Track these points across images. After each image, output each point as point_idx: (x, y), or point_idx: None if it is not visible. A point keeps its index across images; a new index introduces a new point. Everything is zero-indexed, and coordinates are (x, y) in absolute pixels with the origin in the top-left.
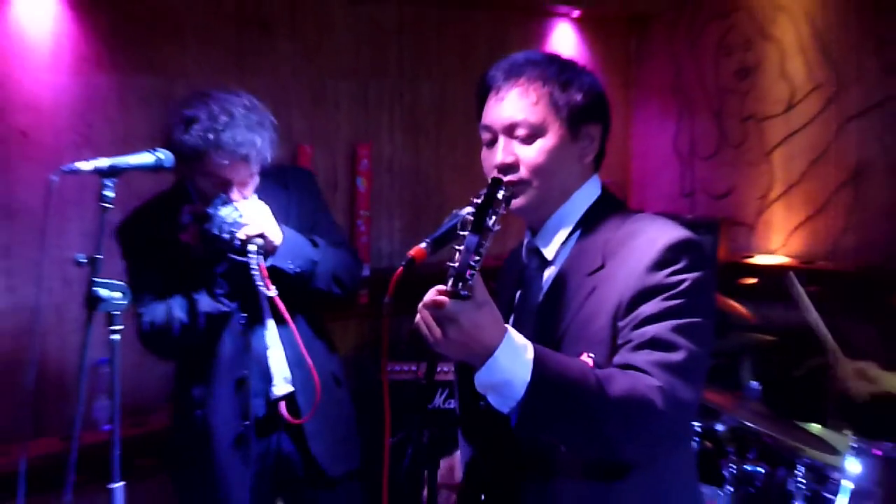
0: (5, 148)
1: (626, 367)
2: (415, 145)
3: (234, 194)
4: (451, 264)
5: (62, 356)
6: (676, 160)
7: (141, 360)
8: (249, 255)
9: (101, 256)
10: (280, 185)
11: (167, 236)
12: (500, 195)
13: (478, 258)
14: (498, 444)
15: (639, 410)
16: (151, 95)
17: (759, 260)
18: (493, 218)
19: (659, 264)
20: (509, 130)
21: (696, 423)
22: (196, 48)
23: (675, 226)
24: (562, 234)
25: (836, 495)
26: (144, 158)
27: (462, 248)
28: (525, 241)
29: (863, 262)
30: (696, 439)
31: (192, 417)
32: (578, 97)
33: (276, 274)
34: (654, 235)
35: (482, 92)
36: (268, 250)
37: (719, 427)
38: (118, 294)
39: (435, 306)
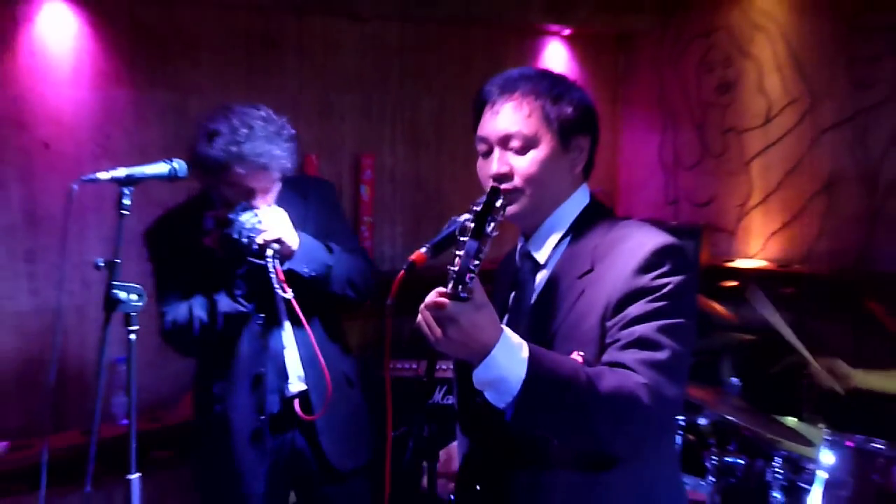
0: (29, 159)
1: (615, 364)
2: (415, 156)
3: (256, 202)
4: (452, 268)
5: (82, 354)
6: (661, 170)
7: (156, 359)
8: (267, 259)
9: (119, 260)
10: (300, 194)
11: (191, 240)
12: (498, 203)
13: (477, 262)
14: (493, 437)
15: (626, 406)
16: (166, 109)
17: (738, 264)
18: (492, 224)
19: (645, 268)
20: (504, 142)
21: (680, 418)
22: (209, 65)
23: (660, 232)
24: (553, 240)
25: (810, 485)
26: (159, 168)
27: (462, 252)
28: (519, 246)
29: (835, 265)
30: (680, 432)
31: (212, 412)
32: (569, 110)
33: (292, 277)
34: (640, 241)
35: (478, 105)
36: (284, 254)
37: (702, 421)
38: (135, 296)
39: (436, 307)
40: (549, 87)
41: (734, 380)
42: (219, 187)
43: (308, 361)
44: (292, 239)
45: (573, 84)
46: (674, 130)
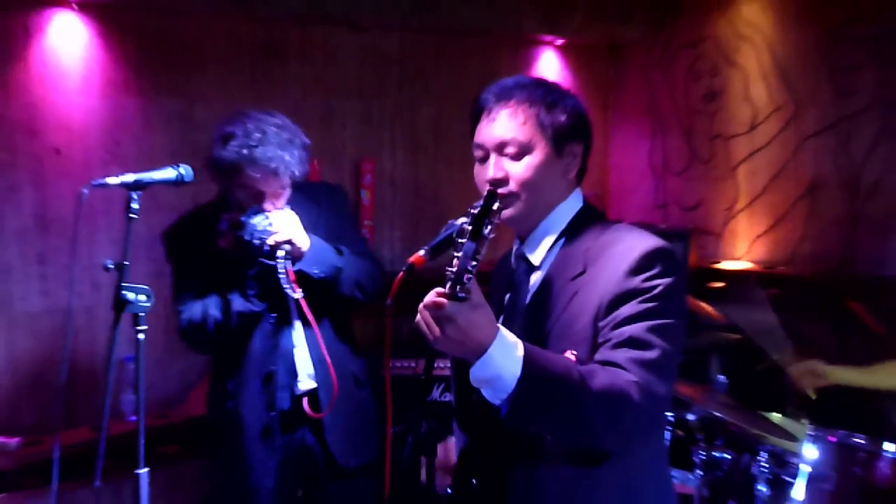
0: (40, 164)
1: (607, 363)
2: (414, 161)
3: (267, 205)
4: (450, 269)
5: (92, 353)
6: (651, 175)
7: (163, 358)
8: (277, 260)
9: (128, 262)
10: (312, 199)
11: (207, 242)
12: (494, 206)
13: (474, 263)
14: (489, 433)
15: (618, 403)
16: (173, 116)
17: (725, 266)
18: (489, 227)
19: (635, 270)
20: (500, 148)
21: (669, 414)
22: (214, 73)
23: (650, 235)
24: (547, 242)
25: (795, 478)
26: (167, 174)
27: (460, 254)
28: (514, 249)
29: (818, 267)
30: (669, 428)
31: (224, 408)
32: (563, 118)
33: (302, 278)
34: (631, 244)
35: (475, 113)
36: (295, 256)
37: (690, 417)
38: (143, 297)
39: (434, 307)
40: (544, 95)
41: (721, 377)
42: (232, 189)
43: (318, 360)
44: (303, 241)
45: (567, 92)
46: (663, 137)
